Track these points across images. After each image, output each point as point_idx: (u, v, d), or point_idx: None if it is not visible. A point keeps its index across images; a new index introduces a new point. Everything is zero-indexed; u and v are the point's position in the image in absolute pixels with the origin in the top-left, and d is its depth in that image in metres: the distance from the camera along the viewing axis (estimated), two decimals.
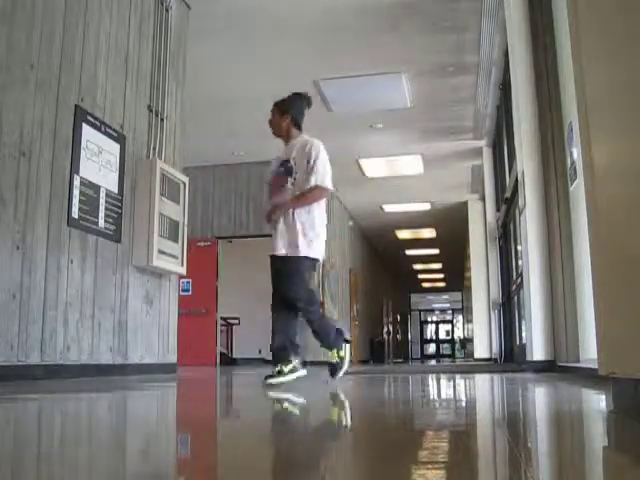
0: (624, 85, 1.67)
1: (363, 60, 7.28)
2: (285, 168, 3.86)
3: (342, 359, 3.86)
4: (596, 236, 1.94)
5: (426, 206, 14.00)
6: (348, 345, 3.95)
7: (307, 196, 3.78)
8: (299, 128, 3.99)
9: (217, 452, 1.38)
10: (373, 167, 11.27)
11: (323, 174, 3.81)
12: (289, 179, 3.81)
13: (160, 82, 5.41)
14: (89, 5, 4.51)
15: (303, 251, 3.75)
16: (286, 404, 2.85)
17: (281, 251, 3.77)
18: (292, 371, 3.72)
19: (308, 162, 3.79)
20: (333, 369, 3.89)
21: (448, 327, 35.57)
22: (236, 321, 12.53)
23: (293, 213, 3.79)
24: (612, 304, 1.80)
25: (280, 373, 3.68)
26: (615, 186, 1.78)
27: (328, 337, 3.89)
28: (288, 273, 3.75)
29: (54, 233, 4.04)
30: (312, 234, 3.80)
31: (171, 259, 5.25)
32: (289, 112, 3.94)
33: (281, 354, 3.75)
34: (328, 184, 3.85)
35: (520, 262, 6.95)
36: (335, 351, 3.85)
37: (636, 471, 1.08)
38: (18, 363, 3.64)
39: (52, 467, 1.16)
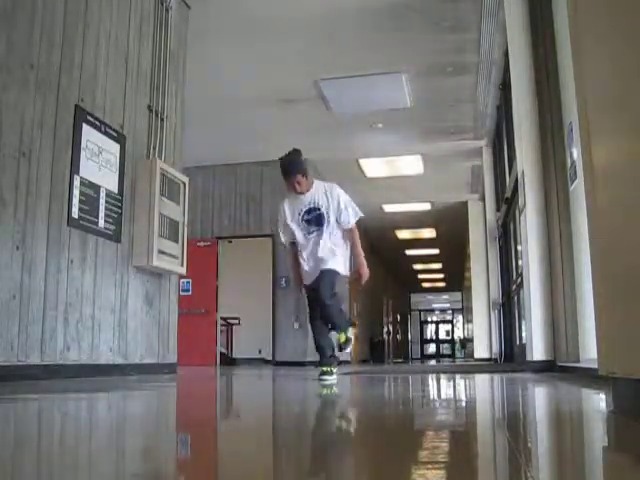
0: (624, 85, 1.67)
1: (363, 60, 7.28)
2: (315, 216, 4.41)
3: (348, 340, 4.48)
4: (596, 236, 1.94)
5: (426, 206, 14.00)
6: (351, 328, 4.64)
7: (356, 240, 4.55)
8: (310, 177, 4.57)
9: (217, 452, 1.38)
10: (373, 167, 11.27)
11: (355, 212, 4.51)
12: (324, 226, 4.41)
13: (160, 82, 5.41)
14: (89, 5, 4.51)
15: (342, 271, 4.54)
16: (284, 403, 2.85)
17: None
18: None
19: (338, 205, 4.43)
20: (340, 346, 4.51)
21: (448, 327, 35.58)
22: (236, 321, 12.53)
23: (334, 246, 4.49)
24: (612, 304, 1.80)
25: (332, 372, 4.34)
26: (615, 186, 1.78)
27: (340, 319, 4.51)
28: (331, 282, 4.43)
29: (54, 233, 4.04)
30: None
31: (171, 259, 5.24)
32: (307, 170, 4.51)
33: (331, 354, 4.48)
34: (360, 214, 4.56)
35: (520, 262, 6.95)
36: (343, 333, 4.45)
37: (636, 471, 1.08)
38: (18, 363, 3.64)
39: (52, 467, 1.16)
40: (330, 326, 4.49)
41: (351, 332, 4.53)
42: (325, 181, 4.64)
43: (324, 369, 4.32)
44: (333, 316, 4.41)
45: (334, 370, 4.35)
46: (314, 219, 4.41)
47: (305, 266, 4.49)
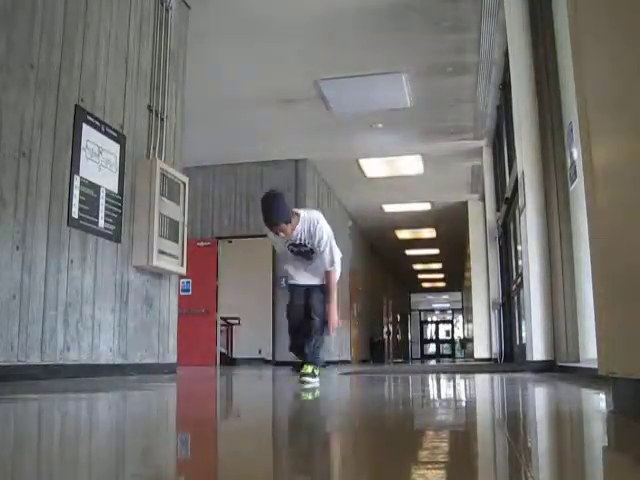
0: (624, 85, 1.67)
1: (363, 60, 7.28)
2: (303, 251, 4.15)
3: (312, 374, 4.02)
4: (596, 236, 1.94)
5: (426, 206, 14.00)
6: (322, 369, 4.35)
7: (330, 285, 4.20)
8: (293, 214, 4.09)
9: (216, 452, 1.38)
10: (373, 167, 11.27)
11: (331, 257, 4.16)
12: (314, 258, 4.17)
13: (160, 82, 5.41)
14: (89, 5, 4.51)
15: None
16: (283, 403, 2.85)
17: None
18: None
19: (319, 244, 4.09)
20: (302, 375, 4.01)
21: (448, 327, 35.57)
22: (236, 321, 12.53)
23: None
24: (612, 304, 1.80)
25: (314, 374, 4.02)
26: (615, 186, 1.78)
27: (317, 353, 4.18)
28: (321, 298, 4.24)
29: (54, 233, 4.04)
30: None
31: (171, 259, 5.24)
32: (290, 216, 4.02)
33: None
34: (337, 262, 4.22)
35: (520, 262, 6.95)
36: (312, 367, 4.02)
37: (636, 471, 1.08)
38: (18, 363, 3.64)
39: (52, 467, 1.16)
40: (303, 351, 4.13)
41: (317, 372, 4.07)
42: (308, 210, 4.25)
43: (306, 370, 3.97)
44: (312, 340, 4.10)
45: (316, 372, 4.03)
46: (302, 253, 4.18)
47: (292, 270, 4.29)
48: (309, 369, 3.97)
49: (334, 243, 4.22)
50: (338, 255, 4.24)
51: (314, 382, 3.90)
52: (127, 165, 4.90)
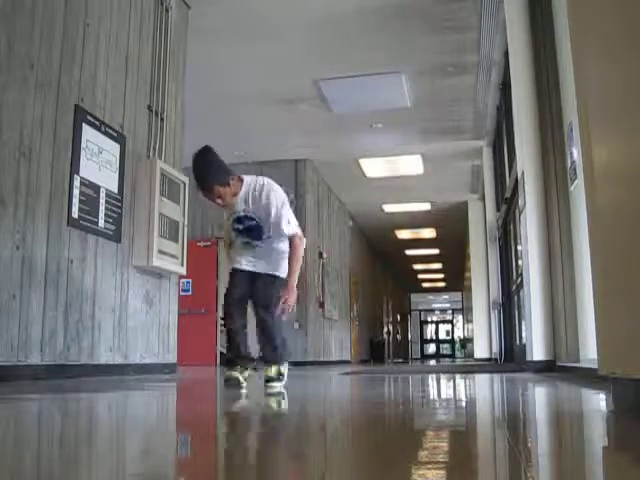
0: (624, 85, 1.67)
1: (363, 60, 7.28)
2: (248, 227, 3.36)
3: (280, 376, 3.38)
4: (596, 236, 1.94)
5: (426, 206, 14.00)
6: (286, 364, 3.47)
7: (298, 258, 3.41)
8: (235, 178, 3.36)
9: (216, 452, 1.38)
10: (373, 167, 11.27)
11: (291, 226, 3.36)
12: (262, 240, 3.38)
13: (160, 82, 5.41)
14: (89, 5, 4.51)
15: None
16: (281, 402, 2.85)
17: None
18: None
19: (270, 212, 3.30)
20: (267, 380, 3.36)
21: (448, 327, 35.57)
22: None
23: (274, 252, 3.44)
24: (612, 304, 1.80)
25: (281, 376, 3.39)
26: (615, 186, 1.78)
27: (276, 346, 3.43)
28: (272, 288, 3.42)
29: (54, 233, 4.04)
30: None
31: (171, 259, 5.24)
32: (227, 177, 3.29)
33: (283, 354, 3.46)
34: (298, 230, 3.43)
35: (520, 262, 6.95)
36: (276, 368, 3.37)
37: (636, 471, 1.08)
38: (18, 363, 3.64)
39: (52, 467, 1.16)
40: (261, 353, 3.44)
41: (286, 368, 3.42)
42: (259, 176, 3.45)
43: (269, 373, 3.34)
44: (269, 336, 3.39)
45: (284, 371, 3.38)
46: (247, 231, 3.38)
47: (238, 255, 3.49)
48: (272, 371, 3.34)
49: (291, 213, 3.41)
50: (295, 222, 3.42)
51: (280, 386, 3.30)
52: (127, 165, 4.90)
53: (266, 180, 3.40)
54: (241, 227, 3.37)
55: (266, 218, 3.31)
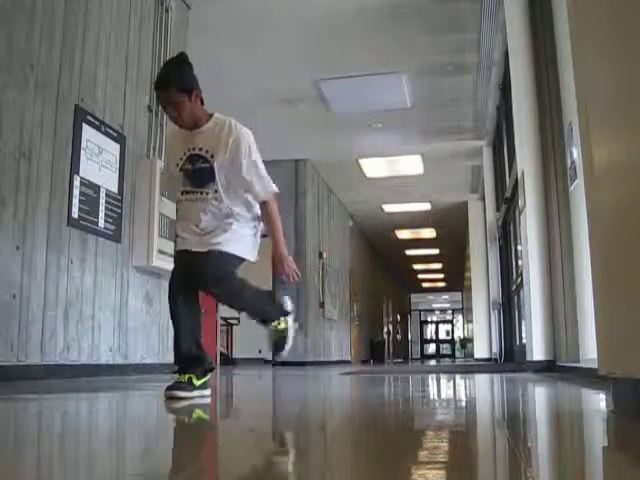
0: (624, 85, 1.66)
1: (363, 60, 7.28)
2: (197, 170, 2.70)
3: (284, 331, 2.94)
4: (596, 236, 1.94)
5: (426, 206, 14.00)
6: (290, 318, 3.01)
7: (273, 218, 2.80)
8: (200, 97, 2.80)
9: (217, 452, 1.38)
10: (373, 167, 11.27)
11: (264, 183, 2.76)
12: (210, 187, 2.69)
13: None
14: (89, 5, 4.51)
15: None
16: (284, 402, 2.85)
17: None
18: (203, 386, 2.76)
19: (240, 167, 2.69)
20: (276, 344, 2.96)
21: (448, 327, 35.56)
22: (236, 321, 12.52)
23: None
24: (612, 304, 1.80)
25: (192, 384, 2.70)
26: (615, 186, 1.78)
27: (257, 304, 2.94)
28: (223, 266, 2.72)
29: (54, 233, 4.04)
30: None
31: (171, 259, 5.23)
32: (193, 86, 2.77)
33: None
34: (274, 186, 2.82)
35: (520, 262, 6.95)
36: (275, 322, 2.93)
37: (636, 471, 1.08)
38: (18, 363, 3.64)
39: (52, 467, 1.16)
40: (255, 319, 2.97)
41: (290, 323, 2.97)
42: (234, 121, 2.83)
43: (181, 378, 2.70)
44: (238, 302, 2.87)
45: (198, 381, 2.72)
46: (195, 174, 2.70)
47: (180, 231, 2.80)
48: (194, 376, 2.72)
49: (263, 169, 2.79)
50: (272, 185, 2.80)
51: (192, 395, 2.64)
52: (127, 165, 4.90)
53: (234, 121, 2.80)
54: (190, 168, 2.69)
55: (228, 168, 2.68)
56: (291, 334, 2.96)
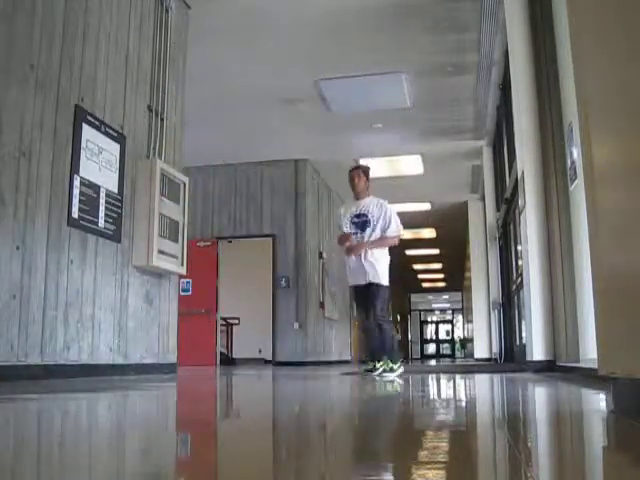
0: (624, 85, 1.66)
1: (363, 60, 7.28)
2: (362, 222, 5.42)
3: (392, 369, 5.24)
4: (596, 236, 1.94)
5: (426, 206, 13.99)
6: (400, 364, 5.40)
7: (387, 240, 5.60)
8: (368, 185, 5.65)
9: (216, 452, 1.38)
10: (373, 167, 11.21)
11: (398, 227, 5.64)
12: (367, 230, 5.45)
13: (160, 82, 5.41)
14: (89, 5, 4.51)
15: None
16: (283, 402, 2.85)
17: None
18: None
19: (385, 220, 5.49)
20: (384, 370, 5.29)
21: (448, 327, 35.57)
22: (236, 321, 12.53)
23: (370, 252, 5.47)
24: (612, 304, 1.80)
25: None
26: (615, 186, 1.78)
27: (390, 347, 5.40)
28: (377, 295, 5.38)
29: (54, 233, 4.04)
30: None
31: (171, 259, 5.24)
32: (368, 177, 5.69)
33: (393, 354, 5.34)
34: (401, 231, 5.61)
35: (520, 262, 6.95)
36: (388, 361, 5.21)
37: (636, 471, 1.08)
38: (18, 363, 3.64)
39: (52, 467, 1.16)
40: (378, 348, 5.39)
41: (398, 366, 5.21)
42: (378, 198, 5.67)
43: (386, 366, 5.10)
44: (381, 340, 5.47)
45: (395, 367, 5.44)
46: (360, 225, 5.42)
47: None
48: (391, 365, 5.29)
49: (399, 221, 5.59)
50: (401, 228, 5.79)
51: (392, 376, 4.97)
52: (127, 165, 4.90)
53: (386, 202, 5.56)
54: (358, 221, 5.39)
55: (380, 222, 5.53)
56: (393, 376, 5.21)
